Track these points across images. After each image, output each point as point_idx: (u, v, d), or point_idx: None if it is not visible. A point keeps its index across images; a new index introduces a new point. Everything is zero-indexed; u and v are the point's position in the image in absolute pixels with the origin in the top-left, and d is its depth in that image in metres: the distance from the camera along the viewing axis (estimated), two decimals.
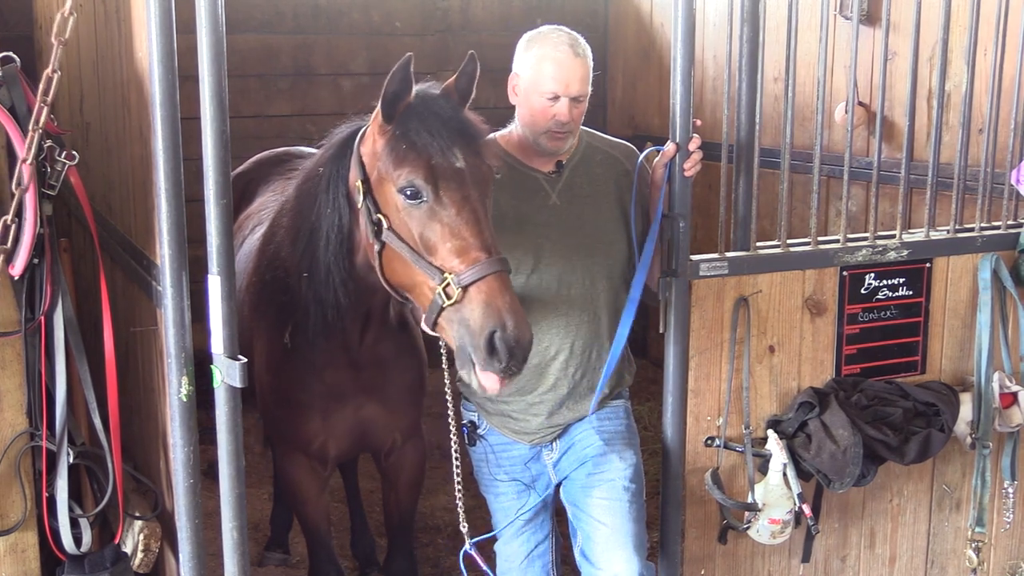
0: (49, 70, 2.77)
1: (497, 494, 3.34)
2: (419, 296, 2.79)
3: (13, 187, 2.80)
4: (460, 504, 3.23)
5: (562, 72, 3.05)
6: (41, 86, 2.79)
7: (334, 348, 3.20)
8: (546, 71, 3.07)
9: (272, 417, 3.52)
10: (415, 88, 2.81)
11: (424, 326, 2.80)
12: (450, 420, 3.26)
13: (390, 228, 2.76)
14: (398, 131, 2.75)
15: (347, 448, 3.52)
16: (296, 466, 3.49)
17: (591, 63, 3.14)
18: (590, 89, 3.15)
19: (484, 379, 2.69)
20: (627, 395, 3.44)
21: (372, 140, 2.85)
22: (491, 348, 2.61)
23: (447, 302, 2.65)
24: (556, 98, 3.06)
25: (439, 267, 2.68)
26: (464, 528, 3.19)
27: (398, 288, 2.85)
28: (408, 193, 2.71)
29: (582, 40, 3.15)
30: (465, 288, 2.63)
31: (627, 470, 3.22)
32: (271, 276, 3.25)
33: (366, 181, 2.83)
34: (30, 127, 2.79)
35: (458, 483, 3.26)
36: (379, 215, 2.78)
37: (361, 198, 2.82)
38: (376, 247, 2.79)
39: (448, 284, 2.65)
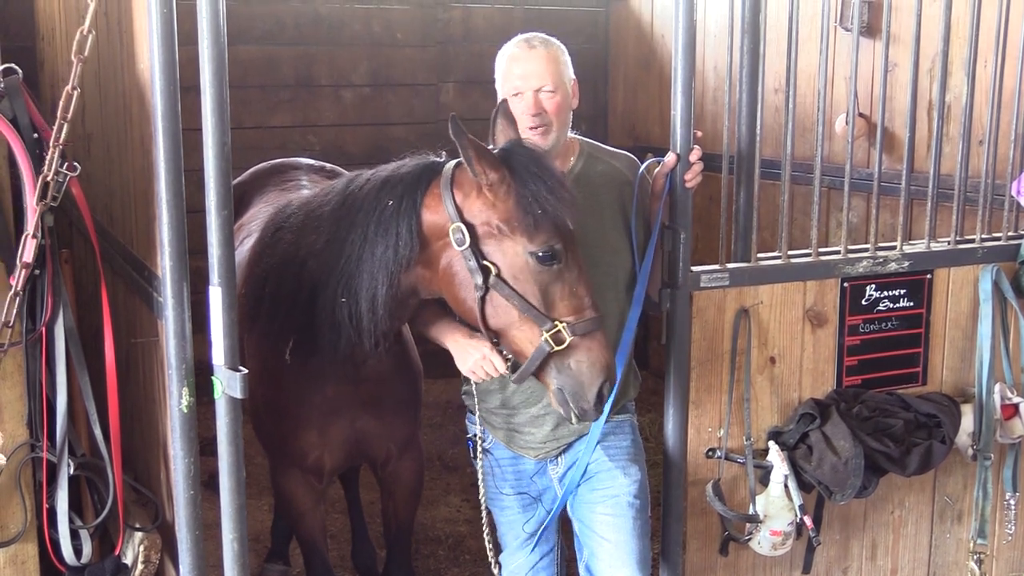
0: (69, 87, 2.78)
1: (503, 507, 3.34)
2: (515, 339, 2.84)
3: (34, 203, 2.80)
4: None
5: (518, 66, 3.15)
6: (61, 103, 2.79)
7: (343, 364, 3.19)
8: (508, 71, 3.18)
9: (266, 431, 3.51)
10: (511, 139, 2.92)
11: (521, 370, 2.85)
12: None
13: (499, 276, 2.81)
14: (529, 193, 2.77)
15: (342, 460, 3.52)
16: (291, 479, 3.48)
17: (559, 54, 3.18)
18: (567, 81, 3.19)
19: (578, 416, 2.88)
20: (633, 409, 3.42)
21: (483, 194, 2.83)
22: (600, 397, 2.82)
23: (555, 348, 2.77)
24: (521, 94, 3.12)
25: (551, 317, 2.79)
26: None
27: (495, 329, 2.88)
28: (542, 256, 2.78)
29: (544, 36, 3.21)
30: (580, 336, 2.78)
31: (632, 486, 3.22)
32: (271, 292, 3.20)
33: (471, 228, 2.83)
34: (50, 144, 2.79)
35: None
36: (487, 263, 2.82)
37: (465, 243, 2.82)
38: (479, 293, 2.82)
39: (559, 331, 2.77)
